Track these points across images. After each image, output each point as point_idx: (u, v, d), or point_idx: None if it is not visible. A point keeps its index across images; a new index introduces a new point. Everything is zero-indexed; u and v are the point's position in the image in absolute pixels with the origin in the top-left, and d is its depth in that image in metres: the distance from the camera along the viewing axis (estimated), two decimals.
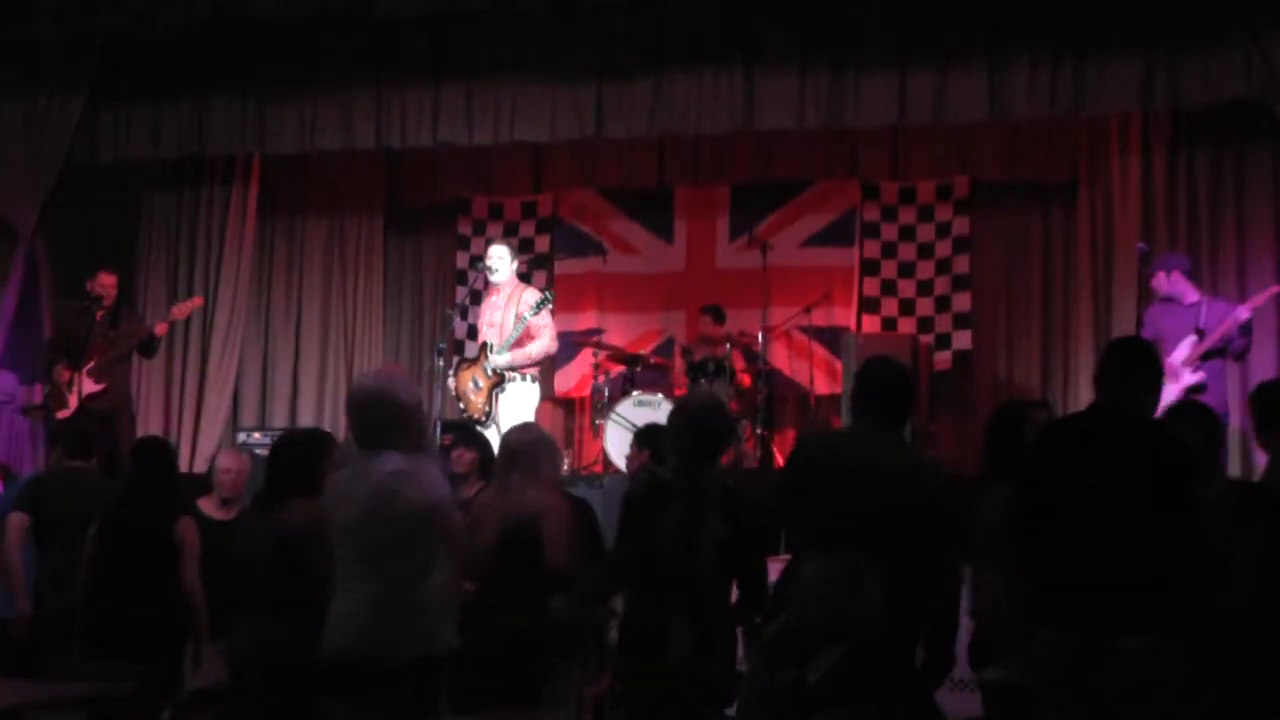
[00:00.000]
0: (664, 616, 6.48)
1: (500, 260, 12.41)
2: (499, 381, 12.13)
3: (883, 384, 6.33)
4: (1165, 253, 12.40)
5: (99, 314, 13.09)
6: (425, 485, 6.44)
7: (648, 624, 6.53)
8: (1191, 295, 11.68)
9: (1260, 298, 11.73)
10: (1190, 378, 11.32)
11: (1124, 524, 5.67)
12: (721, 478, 6.88)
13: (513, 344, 12.11)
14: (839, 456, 6.22)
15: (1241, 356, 11.60)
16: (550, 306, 12.34)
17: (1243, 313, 11.41)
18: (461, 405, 12.39)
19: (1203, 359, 11.38)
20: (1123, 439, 5.84)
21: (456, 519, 6.65)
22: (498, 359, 12.10)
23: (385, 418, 6.48)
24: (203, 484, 10.24)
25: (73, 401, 12.72)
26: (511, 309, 12.24)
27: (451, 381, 12.44)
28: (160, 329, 13.28)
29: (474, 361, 12.41)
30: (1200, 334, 11.41)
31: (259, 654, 7.14)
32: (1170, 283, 11.69)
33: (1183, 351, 11.39)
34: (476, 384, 12.25)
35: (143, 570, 8.38)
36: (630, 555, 6.69)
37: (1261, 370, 12.32)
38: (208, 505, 9.72)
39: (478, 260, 13.37)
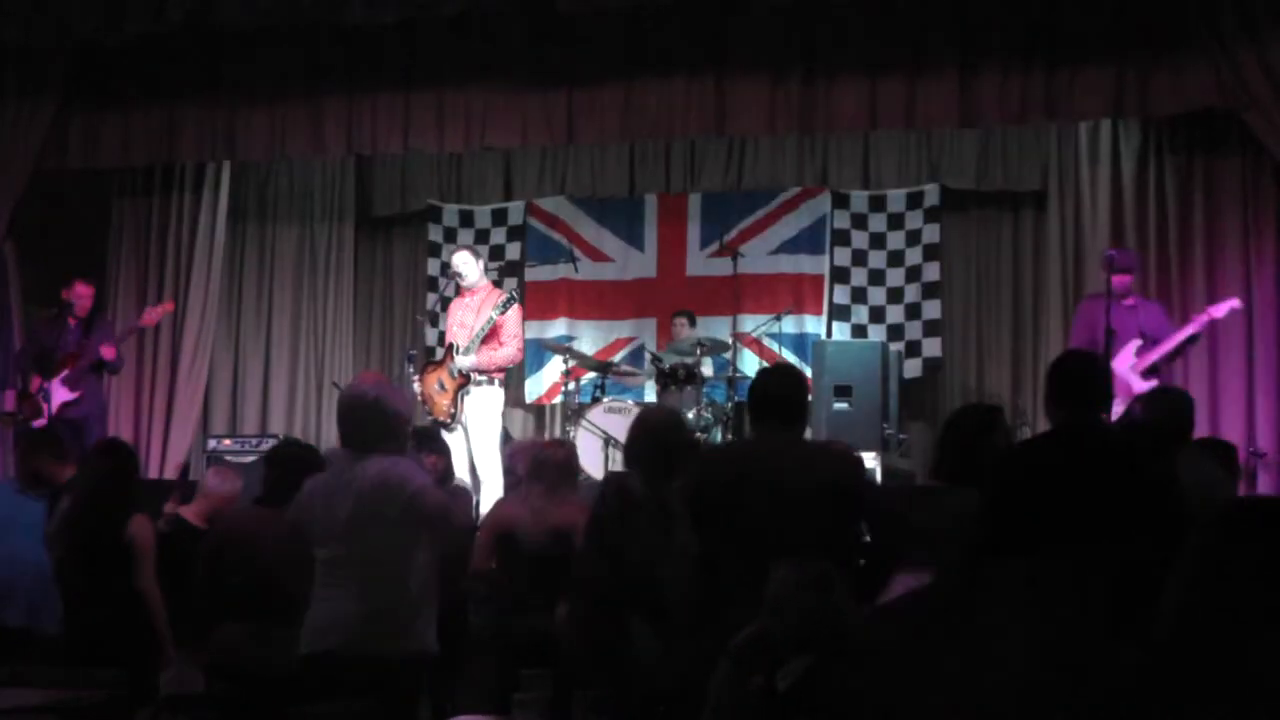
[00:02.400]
0: (628, 624, 6.52)
1: (466, 265, 12.33)
2: (464, 383, 12.09)
3: (779, 391, 6.67)
4: (1124, 249, 12.39)
5: (72, 321, 13.08)
6: (406, 473, 6.58)
7: (611, 632, 6.57)
8: (1130, 298, 11.75)
9: (1220, 307, 11.74)
10: (1141, 385, 11.35)
11: (1113, 542, 5.72)
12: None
13: (480, 343, 12.05)
14: (764, 469, 6.47)
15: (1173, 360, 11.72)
16: (516, 305, 12.25)
17: (1191, 327, 11.53)
18: (426, 408, 12.37)
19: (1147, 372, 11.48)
20: (1104, 460, 5.87)
21: (437, 500, 6.75)
22: (463, 360, 12.05)
23: (378, 425, 6.59)
24: (166, 489, 10.17)
25: (47, 410, 12.70)
26: (485, 312, 12.21)
27: (416, 385, 12.40)
28: (108, 352, 13.17)
29: (440, 363, 12.37)
30: (1145, 339, 11.49)
31: (236, 662, 7.17)
32: (1113, 284, 11.71)
33: (1127, 358, 11.44)
34: (442, 386, 12.20)
35: (100, 573, 8.33)
36: (600, 565, 6.73)
37: (1230, 381, 12.39)
38: (190, 513, 9.62)
39: (449, 267, 13.33)
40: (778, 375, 7.21)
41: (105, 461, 8.74)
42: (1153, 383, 11.33)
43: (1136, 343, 11.52)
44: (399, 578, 6.44)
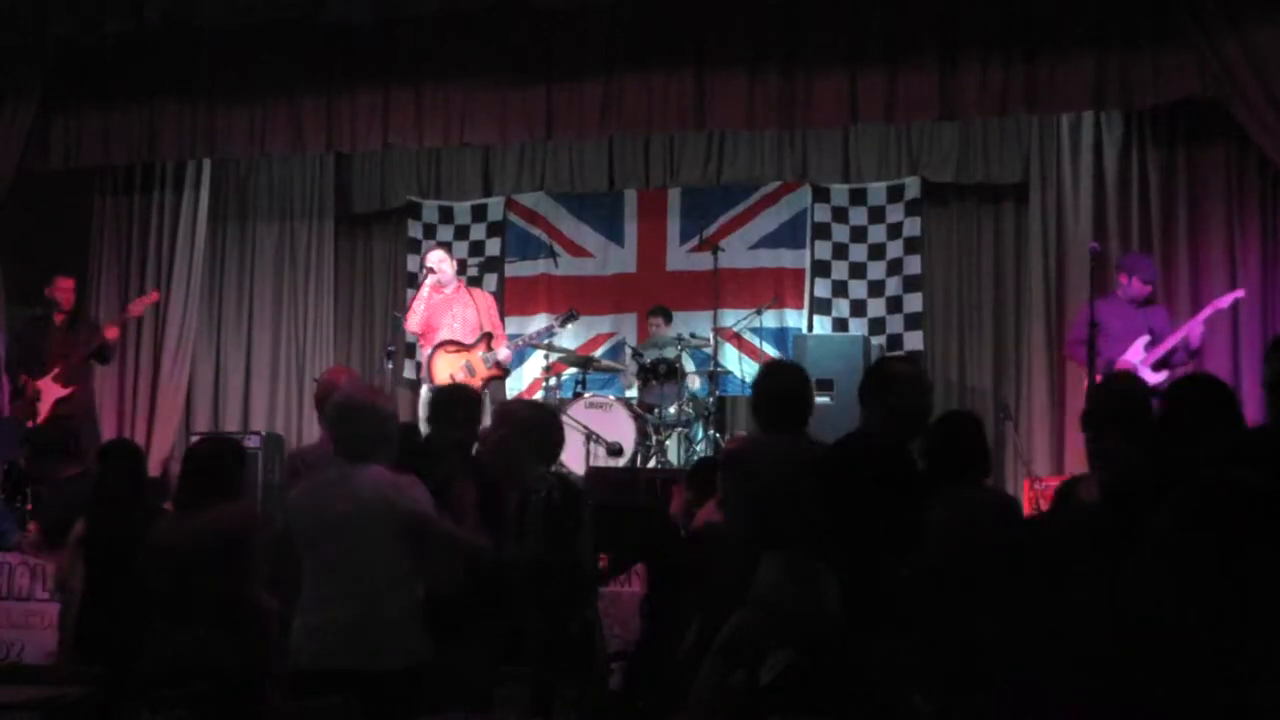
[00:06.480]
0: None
1: (443, 263, 12.54)
2: (501, 376, 12.29)
3: (782, 390, 6.91)
4: (1131, 255, 12.43)
5: (57, 318, 13.12)
6: (416, 496, 6.48)
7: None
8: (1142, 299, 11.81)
9: (1225, 299, 11.77)
10: (1154, 378, 11.36)
11: None
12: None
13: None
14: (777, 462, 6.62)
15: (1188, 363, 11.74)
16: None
17: (1195, 339, 11.54)
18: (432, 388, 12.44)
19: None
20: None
21: (448, 526, 6.69)
22: (503, 353, 12.25)
23: (372, 431, 6.51)
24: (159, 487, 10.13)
25: (43, 410, 12.73)
26: (484, 310, 12.40)
27: (421, 364, 12.54)
28: (111, 333, 13.28)
29: (466, 347, 12.50)
30: (1153, 335, 11.52)
31: (181, 661, 7.09)
32: (1129, 286, 11.77)
33: (1137, 353, 11.47)
34: (471, 370, 12.36)
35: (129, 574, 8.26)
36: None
37: (1214, 371, 12.39)
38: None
39: (426, 264, 13.35)
40: (767, 375, 7.27)
41: (121, 463, 8.68)
42: (1164, 375, 11.37)
43: (1145, 338, 11.56)
44: (390, 592, 6.34)
